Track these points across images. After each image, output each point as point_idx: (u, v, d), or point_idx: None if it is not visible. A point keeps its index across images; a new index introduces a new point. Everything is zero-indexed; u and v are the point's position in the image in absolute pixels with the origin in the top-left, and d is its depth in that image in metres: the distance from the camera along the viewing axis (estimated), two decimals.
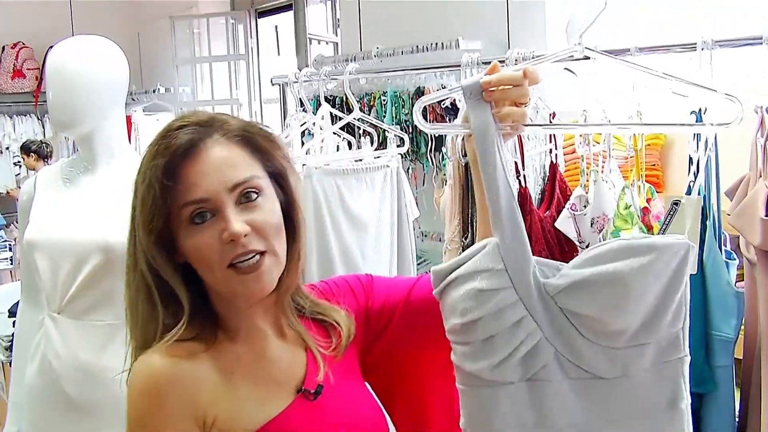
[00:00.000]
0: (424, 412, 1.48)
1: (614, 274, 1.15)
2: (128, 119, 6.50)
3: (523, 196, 2.20)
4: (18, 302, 3.27)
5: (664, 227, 1.26)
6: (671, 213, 1.28)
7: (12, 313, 3.35)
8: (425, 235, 3.65)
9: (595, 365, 1.20)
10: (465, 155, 2.35)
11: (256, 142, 1.28)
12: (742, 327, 1.90)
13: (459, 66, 2.56)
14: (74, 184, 2.32)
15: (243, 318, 1.31)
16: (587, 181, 1.98)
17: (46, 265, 2.25)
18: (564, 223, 2.02)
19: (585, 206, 1.95)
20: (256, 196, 1.24)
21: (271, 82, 3.26)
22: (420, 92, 3.69)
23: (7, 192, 7.22)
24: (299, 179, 1.36)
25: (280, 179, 1.31)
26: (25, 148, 6.40)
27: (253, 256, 1.22)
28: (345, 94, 3.05)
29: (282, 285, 1.30)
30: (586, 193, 1.98)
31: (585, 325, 1.19)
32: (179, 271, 1.27)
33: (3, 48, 7.49)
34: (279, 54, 6.75)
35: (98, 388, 2.25)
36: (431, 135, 3.61)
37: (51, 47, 2.25)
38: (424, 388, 1.47)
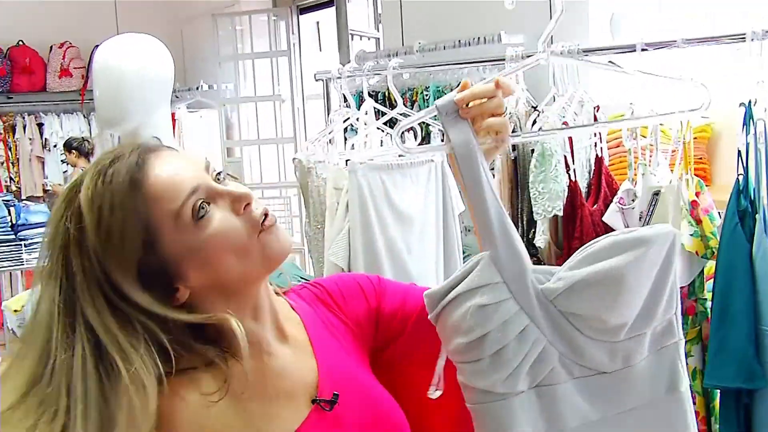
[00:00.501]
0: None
1: (611, 270, 1.15)
2: (172, 116, 6.59)
3: (573, 190, 2.19)
4: None
5: (647, 218, 1.25)
6: (652, 203, 1.27)
7: None
8: (469, 230, 3.65)
9: (597, 361, 1.20)
10: (514, 149, 2.35)
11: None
12: None
13: (502, 60, 2.56)
14: None
15: (246, 329, 1.15)
16: (635, 174, 1.96)
17: None
18: (612, 217, 2.01)
19: (633, 200, 1.94)
20: (222, 174, 1.17)
21: (315, 77, 3.27)
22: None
23: (52, 189, 7.34)
24: None
25: None
26: (67, 146, 6.50)
27: (267, 216, 1.15)
28: (387, 89, 3.05)
29: (268, 289, 1.25)
30: (634, 186, 1.96)
31: (585, 324, 1.19)
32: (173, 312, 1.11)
33: (50, 48, 7.61)
34: (321, 50, 6.76)
35: None
36: None
37: (97, 46, 2.29)
38: (423, 408, 1.35)
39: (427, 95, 3.86)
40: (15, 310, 4.53)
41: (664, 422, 1.24)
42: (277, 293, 1.31)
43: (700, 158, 2.96)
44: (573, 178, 2.18)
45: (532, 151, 2.17)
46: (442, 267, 2.73)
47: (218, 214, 1.12)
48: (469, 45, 3.77)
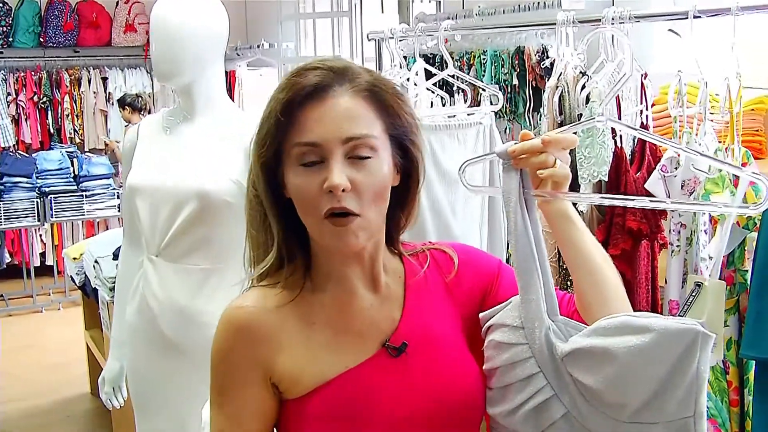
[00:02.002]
0: None
1: (605, 350, 1.17)
2: (232, 74, 6.67)
3: (619, 156, 2.19)
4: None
5: (684, 309, 1.23)
6: (693, 294, 1.25)
7: (117, 255, 3.51)
8: None
9: None
10: (561, 113, 2.34)
11: (383, 99, 1.27)
12: None
13: (554, 24, 2.54)
14: (174, 132, 2.41)
15: (335, 267, 1.31)
16: (680, 142, 1.95)
17: (145, 210, 2.36)
18: (654, 185, 2.00)
19: (676, 168, 1.93)
20: (367, 155, 1.23)
21: (368, 37, 3.29)
22: (520, 52, 3.65)
23: (105, 144, 7.51)
24: (423, 142, 1.35)
25: (403, 141, 1.30)
26: (121, 102, 6.65)
27: (345, 214, 1.22)
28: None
29: (380, 244, 1.32)
30: (678, 155, 1.95)
31: (588, 391, 1.21)
32: (280, 205, 1.28)
33: (117, 3, 7.74)
34: (383, 12, 6.75)
35: (192, 330, 2.36)
36: (529, 94, 3.58)
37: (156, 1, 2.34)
38: None
39: (484, 59, 3.84)
40: (74, 258, 4.68)
41: None
42: (394, 251, 1.40)
43: (757, 130, 2.91)
44: (619, 145, 2.17)
45: (580, 115, 2.16)
46: (486, 229, 2.75)
47: (313, 176, 1.22)
48: (529, 9, 3.75)
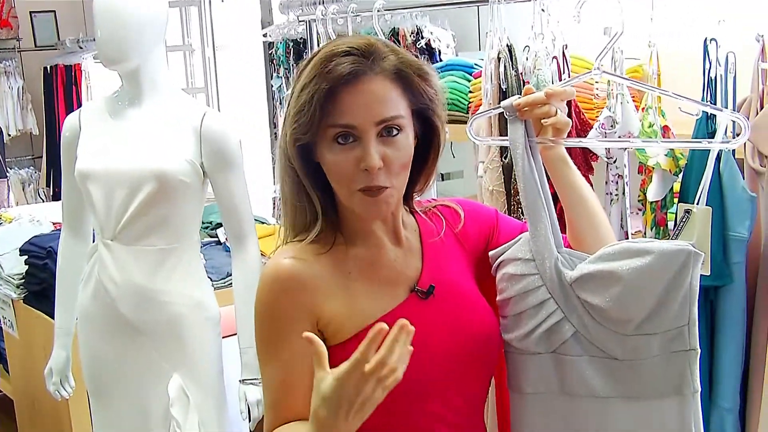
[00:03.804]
0: None
1: (611, 273, 1.38)
2: (77, 67, 6.47)
3: None
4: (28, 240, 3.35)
5: (676, 233, 1.47)
6: (683, 220, 1.48)
7: (22, 251, 3.42)
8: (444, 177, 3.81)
9: (608, 346, 1.42)
10: (505, 80, 2.46)
11: (409, 80, 1.38)
12: None
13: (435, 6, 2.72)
14: (121, 117, 2.43)
15: (363, 225, 1.45)
16: (615, 102, 2.20)
17: (100, 194, 2.37)
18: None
19: (612, 126, 2.18)
20: (396, 132, 1.35)
21: (298, 19, 3.39)
22: (395, 33, 3.82)
23: None
24: (446, 112, 1.48)
25: (424, 112, 1.42)
26: None
27: (379, 189, 1.35)
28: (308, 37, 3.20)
29: (399, 203, 1.47)
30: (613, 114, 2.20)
31: (594, 310, 1.41)
32: (313, 175, 1.41)
33: None
34: (222, 1, 6.74)
35: (152, 309, 2.41)
36: None
37: None
38: None
39: None
40: None
41: (661, 418, 1.42)
42: (411, 210, 1.55)
43: (633, 96, 3.23)
44: None
45: (525, 82, 2.37)
46: None
47: (349, 154, 1.34)
48: None
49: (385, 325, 1.17)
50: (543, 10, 2.35)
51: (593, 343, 1.42)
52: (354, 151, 1.34)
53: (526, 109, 1.46)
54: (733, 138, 1.73)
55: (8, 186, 6.29)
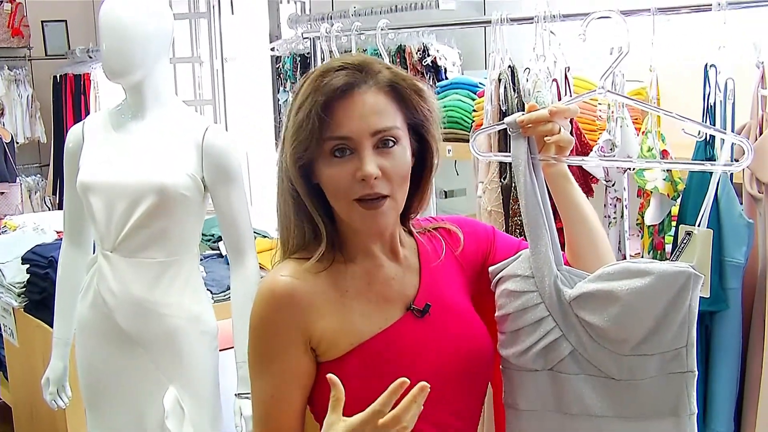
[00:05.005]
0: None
1: (610, 292, 1.38)
2: (86, 77, 6.50)
3: None
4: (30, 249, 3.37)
5: (677, 254, 1.48)
6: (684, 242, 1.49)
7: (25, 259, 3.44)
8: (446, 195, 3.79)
9: (605, 366, 1.42)
10: (505, 102, 2.48)
11: (403, 94, 1.40)
12: None
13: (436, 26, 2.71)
14: (124, 129, 2.45)
15: (361, 242, 1.46)
16: (614, 126, 2.21)
17: (100, 206, 2.38)
18: (594, 165, 2.24)
19: (611, 149, 2.19)
20: (392, 144, 1.37)
21: (302, 36, 3.40)
22: (401, 50, 3.84)
23: None
24: (440, 131, 1.49)
25: (419, 130, 1.44)
26: None
27: (377, 198, 1.36)
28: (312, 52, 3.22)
29: (397, 221, 1.48)
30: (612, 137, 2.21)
31: (593, 330, 1.41)
32: (314, 193, 1.42)
33: None
34: (233, 13, 6.77)
35: (150, 322, 2.42)
36: None
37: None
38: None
39: None
40: None
41: None
42: (409, 230, 1.56)
43: (636, 118, 3.23)
44: None
45: (524, 104, 2.38)
46: None
47: (346, 166, 1.36)
48: (405, 10, 3.94)
49: (406, 380, 1.20)
50: (545, 29, 2.36)
51: (590, 362, 1.42)
52: (351, 163, 1.35)
53: (529, 125, 1.47)
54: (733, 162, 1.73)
55: (21, 190, 6.31)
